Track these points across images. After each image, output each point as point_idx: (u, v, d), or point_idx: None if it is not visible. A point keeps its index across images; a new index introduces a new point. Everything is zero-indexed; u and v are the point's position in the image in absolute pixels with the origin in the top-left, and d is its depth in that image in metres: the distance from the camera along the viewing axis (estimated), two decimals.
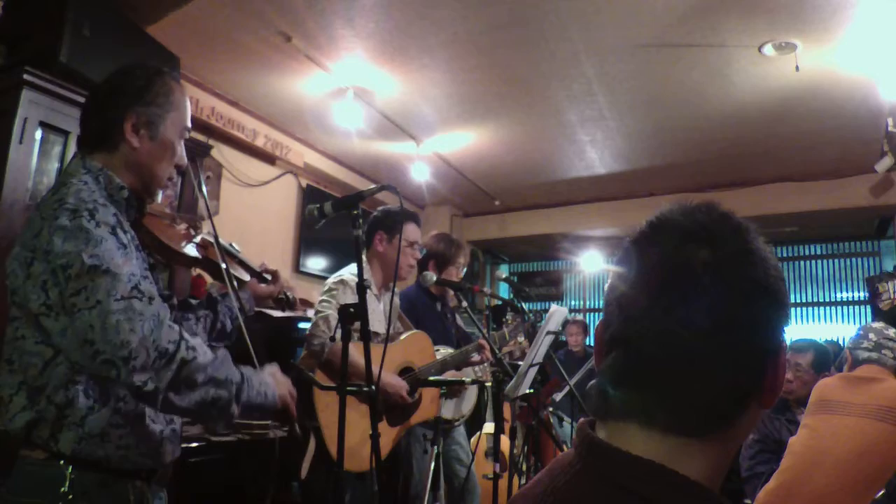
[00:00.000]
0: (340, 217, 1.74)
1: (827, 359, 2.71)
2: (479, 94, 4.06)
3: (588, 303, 8.05)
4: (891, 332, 2.32)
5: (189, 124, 1.40)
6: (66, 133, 2.56)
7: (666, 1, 2.98)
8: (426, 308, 3.01)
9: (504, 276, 5.43)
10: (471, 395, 2.98)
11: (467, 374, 2.92)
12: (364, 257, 2.49)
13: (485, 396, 3.96)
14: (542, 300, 7.95)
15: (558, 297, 7.95)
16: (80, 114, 1.35)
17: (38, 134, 2.47)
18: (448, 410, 2.81)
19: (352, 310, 1.59)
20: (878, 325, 2.38)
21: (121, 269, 1.15)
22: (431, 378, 2.55)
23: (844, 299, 6.96)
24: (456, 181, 5.75)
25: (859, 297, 6.78)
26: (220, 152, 4.31)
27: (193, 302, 1.59)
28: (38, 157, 2.48)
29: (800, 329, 6.84)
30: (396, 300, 2.81)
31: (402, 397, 2.45)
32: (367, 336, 1.62)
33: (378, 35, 3.35)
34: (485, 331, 2.74)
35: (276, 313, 3.39)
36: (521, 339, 3.09)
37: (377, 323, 2.49)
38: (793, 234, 6.58)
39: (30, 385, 1.17)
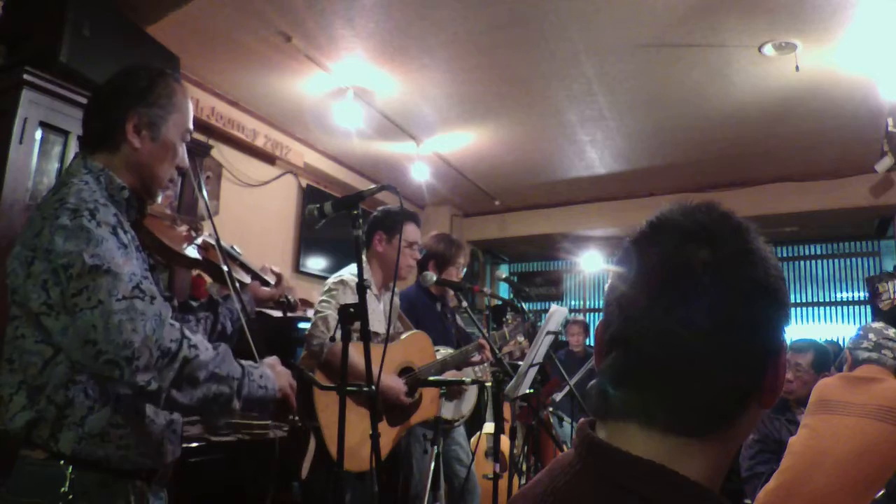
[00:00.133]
0: (340, 217, 1.74)
1: (827, 359, 2.71)
2: (479, 94, 4.06)
3: (588, 303, 8.05)
4: (891, 332, 2.32)
5: (191, 126, 1.41)
6: (66, 133, 2.56)
7: (666, 1, 2.98)
8: (426, 308, 3.01)
9: (504, 276, 5.43)
10: (471, 395, 2.98)
11: (467, 374, 2.92)
12: (364, 257, 2.49)
13: (485, 396, 3.96)
14: (542, 300, 7.96)
15: (558, 297, 7.95)
16: (83, 114, 1.36)
17: (38, 134, 2.47)
18: (448, 411, 2.81)
19: (352, 310, 1.59)
20: (878, 325, 2.38)
21: (121, 268, 1.15)
22: (431, 378, 2.55)
23: (844, 299, 6.96)
24: (456, 181, 5.75)
25: (859, 297, 6.78)
26: (220, 152, 4.31)
27: (194, 304, 1.59)
28: (38, 157, 2.47)
29: (800, 329, 6.84)
30: (396, 300, 2.81)
31: (399, 399, 2.45)
32: (366, 336, 1.62)
33: (378, 35, 3.35)
34: (485, 331, 2.74)
35: (276, 313, 3.39)
36: (521, 339, 3.09)
37: (377, 323, 2.49)
38: (793, 234, 6.58)
39: (30, 384, 1.17)
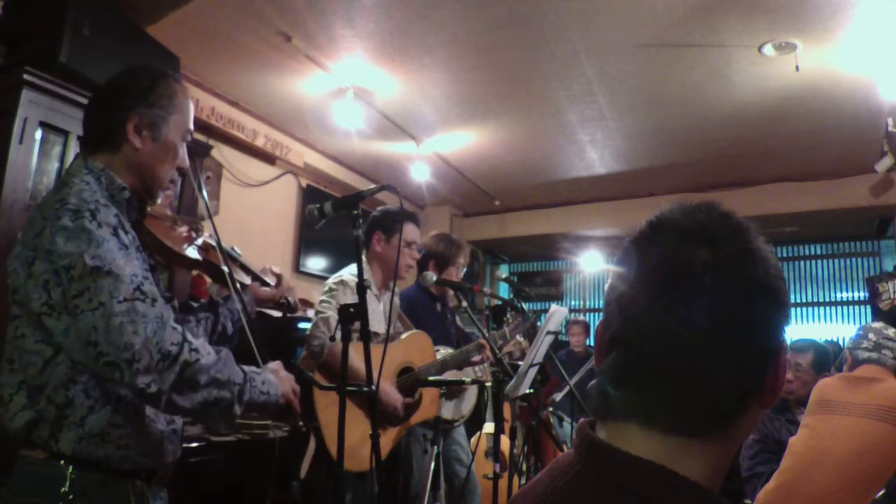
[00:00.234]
0: (340, 217, 1.74)
1: (827, 359, 2.71)
2: (479, 94, 4.06)
3: (588, 303, 8.05)
4: (890, 332, 2.32)
5: (191, 127, 1.41)
6: (66, 133, 2.56)
7: (666, 1, 2.98)
8: (426, 308, 3.01)
9: (504, 276, 5.43)
10: (471, 395, 2.98)
11: (467, 374, 2.92)
12: (363, 257, 2.49)
13: (485, 396, 3.96)
14: (542, 300, 7.95)
15: (558, 297, 7.95)
16: (84, 114, 1.36)
17: (38, 134, 2.47)
18: (448, 411, 2.81)
19: (352, 310, 1.59)
20: (878, 325, 2.38)
21: (122, 270, 1.15)
22: (431, 378, 2.55)
23: (844, 299, 6.96)
24: (456, 181, 5.75)
25: (859, 297, 6.78)
26: (220, 152, 4.31)
27: (194, 305, 1.59)
28: (38, 157, 2.47)
29: (800, 329, 6.83)
30: (396, 300, 2.81)
31: (396, 408, 2.45)
32: (367, 336, 1.62)
33: (378, 35, 3.35)
34: (485, 331, 2.73)
35: (277, 313, 3.39)
36: (520, 339, 3.09)
37: (377, 323, 2.49)
38: (793, 234, 6.58)
39: (30, 384, 1.17)
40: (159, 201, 1.43)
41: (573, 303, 8.06)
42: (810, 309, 7.07)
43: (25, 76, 2.41)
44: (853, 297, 6.89)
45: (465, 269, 3.20)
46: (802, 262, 7.18)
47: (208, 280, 3.54)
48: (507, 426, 2.91)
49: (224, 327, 1.58)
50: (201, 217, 3.19)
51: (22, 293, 1.18)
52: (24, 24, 2.65)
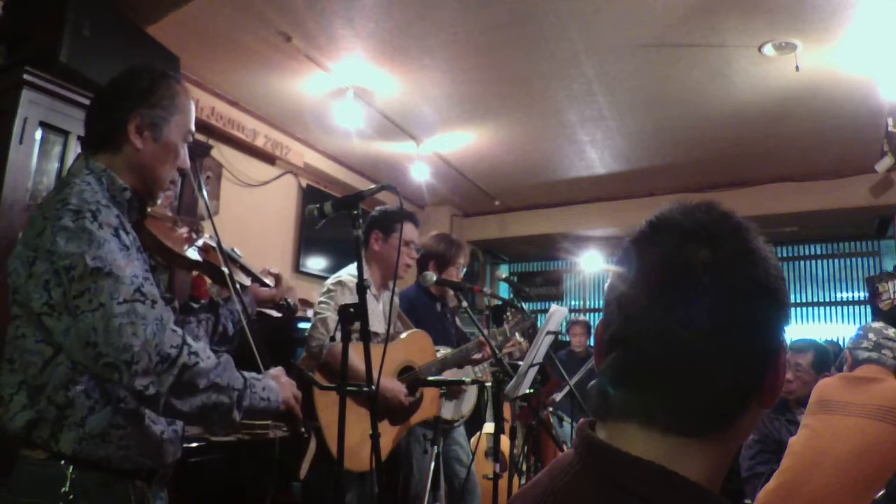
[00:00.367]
0: (340, 217, 1.74)
1: (827, 359, 2.71)
2: (479, 94, 4.06)
3: (588, 303, 8.05)
4: (890, 331, 2.32)
5: (193, 128, 1.41)
6: (66, 133, 2.56)
7: (666, 1, 2.98)
8: (426, 308, 3.01)
9: (504, 276, 5.43)
10: (471, 395, 2.98)
11: (467, 374, 2.92)
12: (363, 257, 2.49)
13: (485, 396, 3.97)
14: (542, 300, 7.95)
15: (558, 297, 7.94)
16: (85, 115, 1.36)
17: (38, 134, 2.47)
18: (448, 411, 2.81)
19: (351, 310, 1.59)
20: (878, 325, 2.38)
21: (123, 271, 1.15)
22: (431, 378, 2.55)
23: (844, 299, 6.96)
24: (456, 181, 5.75)
25: (859, 297, 6.78)
26: (220, 152, 4.31)
27: (195, 306, 1.59)
28: (38, 157, 2.47)
29: (800, 329, 6.83)
30: (396, 300, 2.80)
31: (400, 401, 2.45)
32: (366, 336, 1.62)
33: (378, 35, 3.35)
34: (485, 330, 2.73)
35: (277, 314, 3.39)
36: (520, 339, 3.09)
37: (376, 323, 2.49)
38: (793, 234, 6.58)
39: (30, 384, 1.17)
40: (160, 202, 1.43)
41: (573, 303, 8.06)
42: (810, 309, 7.07)
43: (25, 76, 2.41)
44: (853, 297, 6.89)
45: (465, 269, 3.20)
46: (802, 262, 7.18)
47: (208, 281, 3.54)
48: (507, 426, 2.91)
49: (225, 328, 1.58)
50: (201, 217, 3.19)
51: (23, 293, 1.18)
52: (24, 24, 2.65)
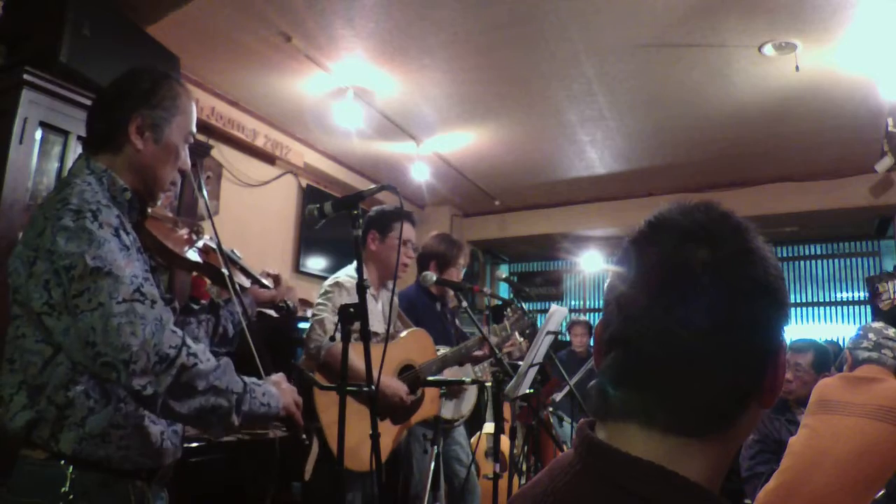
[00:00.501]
0: (340, 217, 1.74)
1: (827, 359, 2.71)
2: (479, 94, 4.06)
3: (588, 303, 8.04)
4: (890, 331, 2.32)
5: (194, 129, 1.41)
6: (66, 133, 2.56)
7: (666, 1, 2.98)
8: (426, 308, 3.01)
9: (504, 276, 5.43)
10: (471, 395, 2.98)
11: (468, 374, 2.92)
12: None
13: (485, 396, 3.97)
14: (542, 300, 7.95)
15: (558, 297, 7.94)
16: (87, 115, 1.36)
17: (38, 134, 2.47)
18: (448, 411, 2.81)
19: (351, 310, 1.59)
20: (878, 325, 2.38)
21: (123, 271, 1.15)
22: (431, 378, 2.55)
23: (844, 299, 6.96)
24: (456, 181, 5.75)
25: (859, 297, 6.78)
26: (220, 152, 4.31)
27: (195, 307, 1.59)
28: (38, 157, 2.47)
29: (800, 329, 6.83)
30: (396, 299, 2.80)
31: (401, 399, 2.45)
32: (366, 336, 1.62)
33: (378, 35, 3.35)
34: (485, 329, 2.73)
35: (276, 315, 3.39)
36: (520, 339, 3.09)
37: (376, 323, 2.49)
38: (793, 234, 6.58)
39: (30, 384, 1.17)
40: (160, 203, 1.43)
41: (573, 303, 8.06)
42: (810, 309, 7.07)
43: (25, 76, 2.41)
44: (853, 297, 6.89)
45: (465, 270, 3.20)
46: (802, 262, 7.18)
47: (208, 281, 3.54)
48: (507, 426, 2.92)
49: (225, 329, 1.58)
50: (201, 217, 3.19)
51: (23, 293, 1.18)
52: (24, 24, 2.65)
